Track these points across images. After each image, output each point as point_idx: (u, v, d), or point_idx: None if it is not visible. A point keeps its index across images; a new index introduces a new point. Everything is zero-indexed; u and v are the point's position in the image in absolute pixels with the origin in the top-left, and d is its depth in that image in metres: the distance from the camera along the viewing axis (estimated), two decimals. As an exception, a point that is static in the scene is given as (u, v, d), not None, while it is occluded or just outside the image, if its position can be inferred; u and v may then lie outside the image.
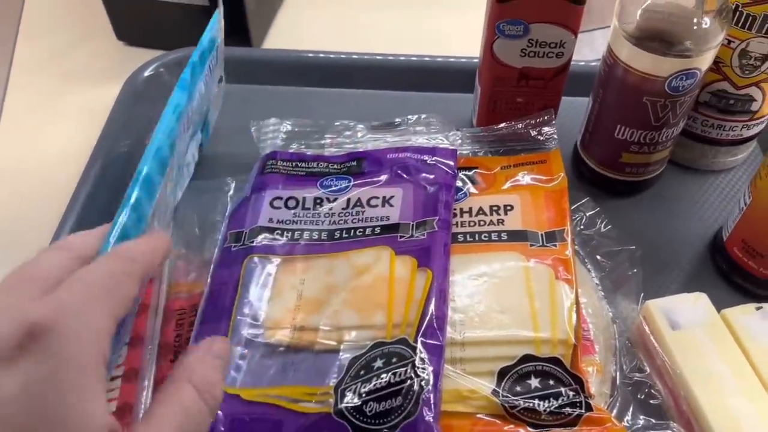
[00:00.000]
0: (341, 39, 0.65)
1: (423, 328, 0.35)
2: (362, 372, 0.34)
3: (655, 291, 0.42)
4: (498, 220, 0.42)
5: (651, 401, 0.38)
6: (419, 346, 0.34)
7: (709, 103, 0.48)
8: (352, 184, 0.44)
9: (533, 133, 0.48)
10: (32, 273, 0.25)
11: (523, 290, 0.38)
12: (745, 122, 0.48)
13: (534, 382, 0.34)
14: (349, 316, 0.37)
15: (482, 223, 0.42)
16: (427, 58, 0.59)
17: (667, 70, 0.41)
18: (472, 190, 0.45)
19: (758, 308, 0.39)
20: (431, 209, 0.41)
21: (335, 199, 0.43)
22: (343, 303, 0.37)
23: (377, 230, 0.41)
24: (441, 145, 0.47)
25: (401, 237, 0.40)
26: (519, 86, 0.47)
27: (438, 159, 0.45)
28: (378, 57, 0.59)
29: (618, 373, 0.39)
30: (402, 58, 0.59)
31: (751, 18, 0.42)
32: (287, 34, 0.67)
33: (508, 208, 0.43)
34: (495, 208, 0.43)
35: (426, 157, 0.45)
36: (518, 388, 0.34)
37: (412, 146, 0.46)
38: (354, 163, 0.45)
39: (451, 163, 0.45)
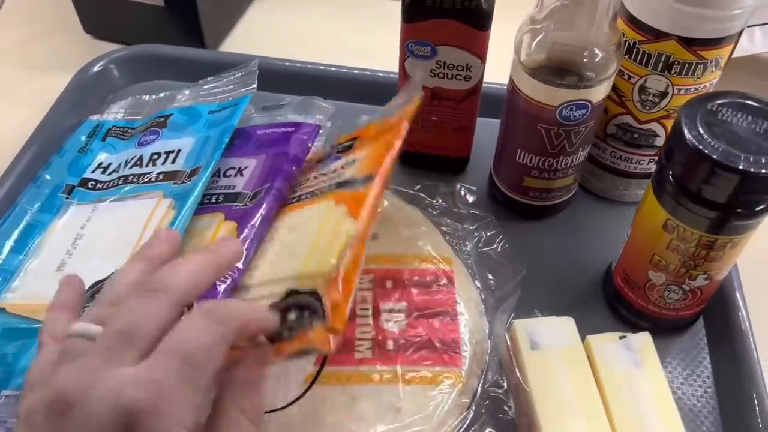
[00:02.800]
0: (301, 49, 0.68)
1: None
2: None
3: (540, 312, 0.43)
4: (339, 173, 0.43)
5: (501, 416, 0.39)
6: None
7: (616, 136, 0.49)
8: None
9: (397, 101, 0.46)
10: (136, 329, 0.26)
11: (315, 233, 0.38)
12: (651, 156, 0.49)
13: (292, 315, 0.33)
14: None
15: (329, 179, 0.43)
16: (363, 71, 0.61)
17: (558, 100, 0.43)
18: (346, 155, 0.45)
19: (622, 337, 0.40)
20: (270, 179, 0.44)
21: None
22: None
23: (220, 198, 0.44)
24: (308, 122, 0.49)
25: (236, 205, 0.43)
26: (432, 105, 0.49)
27: (300, 134, 0.47)
28: (320, 68, 0.61)
29: (480, 387, 0.41)
30: (343, 70, 0.61)
31: (647, 56, 0.43)
32: (246, 40, 0.69)
33: (353, 161, 0.43)
34: (346, 164, 0.43)
35: (289, 130, 0.48)
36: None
37: (282, 122, 0.49)
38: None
39: (309, 138, 0.47)
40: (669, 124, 0.46)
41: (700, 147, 0.35)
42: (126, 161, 0.49)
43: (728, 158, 0.34)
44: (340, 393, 0.40)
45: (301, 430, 0.38)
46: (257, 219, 0.41)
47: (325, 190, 0.42)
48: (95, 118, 0.55)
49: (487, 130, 0.55)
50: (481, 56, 0.46)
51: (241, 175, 0.45)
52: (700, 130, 0.35)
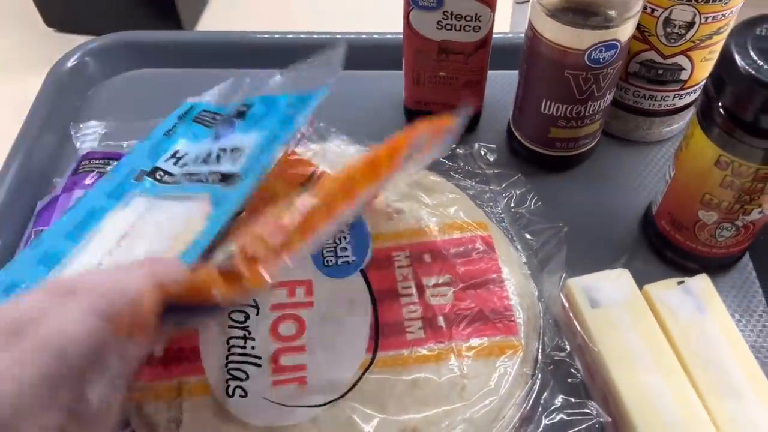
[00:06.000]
0: (278, 19, 0.64)
1: None
2: None
3: (585, 267, 0.41)
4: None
5: (570, 380, 0.38)
6: None
7: (639, 74, 0.47)
8: None
9: None
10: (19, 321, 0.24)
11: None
12: (676, 92, 0.47)
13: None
14: None
15: None
16: (359, 35, 0.57)
17: (586, 43, 0.40)
18: None
19: (680, 283, 0.39)
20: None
21: None
22: None
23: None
24: None
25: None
26: (440, 60, 0.46)
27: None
28: (314, 36, 0.58)
29: (540, 353, 0.39)
30: (338, 35, 0.57)
31: (672, -15, 0.41)
32: (222, 15, 0.65)
33: None
34: None
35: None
36: None
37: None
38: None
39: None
40: (696, 55, 0.44)
41: (755, 73, 0.33)
42: (197, 156, 0.44)
43: (788, 83, 0.32)
44: (398, 378, 0.37)
45: (364, 420, 0.36)
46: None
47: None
48: (193, 99, 0.49)
49: (496, 84, 0.52)
50: (491, 4, 0.43)
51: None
52: (753, 56, 0.33)
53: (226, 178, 0.41)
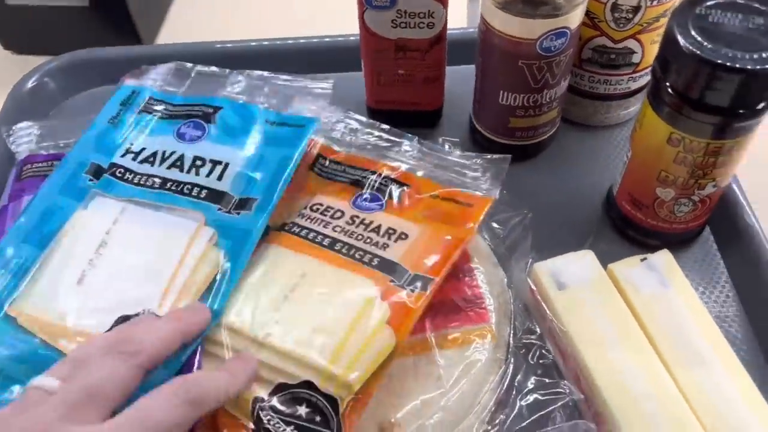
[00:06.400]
0: (237, 28, 0.64)
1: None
2: None
3: (552, 251, 0.42)
4: (383, 244, 0.40)
5: (542, 361, 0.38)
6: None
7: (592, 60, 0.48)
8: None
9: (478, 173, 0.44)
10: (97, 389, 0.27)
11: (351, 321, 0.35)
12: (629, 75, 0.48)
13: (301, 410, 0.33)
14: None
15: (368, 240, 0.40)
16: (322, 39, 0.58)
17: (537, 32, 0.41)
18: (389, 205, 0.42)
19: (643, 260, 0.40)
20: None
21: None
22: None
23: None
24: None
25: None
26: (398, 58, 0.47)
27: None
28: (277, 42, 0.58)
29: (511, 338, 0.40)
30: (301, 41, 0.58)
31: (615, -29, 0.42)
32: (181, 27, 0.65)
33: (402, 236, 0.40)
34: (390, 231, 0.40)
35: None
36: (283, 408, 0.33)
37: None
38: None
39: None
40: (645, 38, 0.46)
41: (698, 52, 0.34)
42: (163, 155, 0.42)
43: (729, 59, 0.33)
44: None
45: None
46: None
47: (365, 260, 0.38)
48: (132, 82, 0.47)
49: (457, 78, 0.53)
50: (443, 0, 0.44)
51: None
52: (695, 35, 0.35)
53: (215, 196, 0.40)
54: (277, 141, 0.42)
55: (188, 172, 0.42)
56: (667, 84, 0.37)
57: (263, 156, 0.42)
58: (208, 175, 0.41)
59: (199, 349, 0.34)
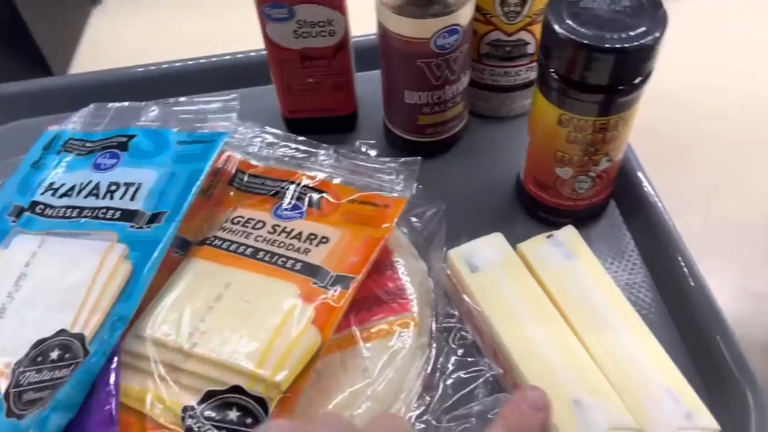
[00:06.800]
0: (150, 51, 0.65)
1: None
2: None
3: (469, 239, 0.44)
4: (305, 249, 0.41)
5: (462, 342, 0.40)
6: None
7: (490, 54, 0.50)
8: None
9: (392, 176, 0.46)
10: None
11: (276, 324, 0.36)
12: (527, 65, 0.51)
13: (232, 414, 0.34)
14: None
15: (290, 247, 0.41)
16: (234, 55, 0.59)
17: (430, 31, 0.43)
18: (310, 213, 0.44)
19: (548, 236, 0.42)
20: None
21: None
22: None
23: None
24: None
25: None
26: (305, 67, 0.48)
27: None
28: (189, 63, 0.59)
29: (434, 323, 0.41)
30: (213, 59, 0.59)
31: (499, -32, 0.45)
32: (95, 54, 0.65)
33: (324, 240, 0.41)
34: (312, 237, 0.42)
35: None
36: (213, 414, 0.34)
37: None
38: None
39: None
40: (536, 29, 0.48)
41: (573, 37, 0.36)
42: (80, 186, 0.43)
43: (601, 41, 0.36)
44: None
45: (271, 418, 0.37)
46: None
47: (288, 266, 0.39)
48: (54, 128, 0.49)
49: (370, 82, 0.55)
50: (340, 8, 0.46)
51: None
52: (569, 21, 0.37)
53: (128, 215, 0.41)
54: (189, 158, 0.44)
55: (104, 197, 0.43)
56: (551, 70, 0.39)
57: (175, 173, 0.43)
58: (121, 198, 0.42)
59: (114, 364, 0.35)
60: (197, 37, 0.65)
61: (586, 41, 0.36)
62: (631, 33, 0.36)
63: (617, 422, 0.34)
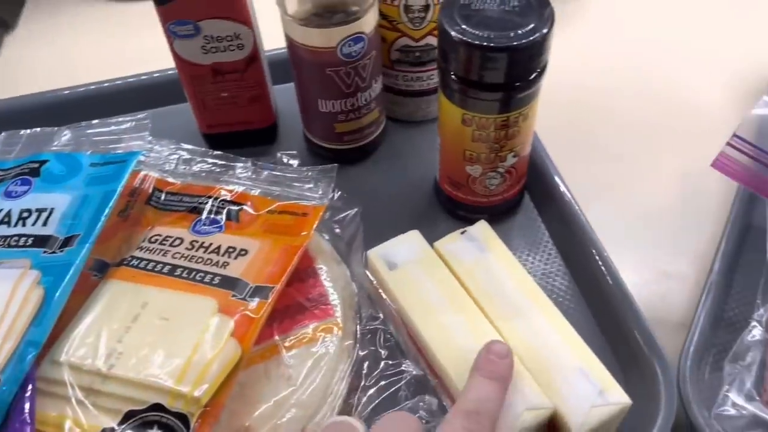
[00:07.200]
0: (69, 75, 0.64)
1: None
2: None
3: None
4: (224, 262, 0.41)
5: (387, 344, 0.41)
6: None
7: (401, 60, 0.52)
8: None
9: (311, 184, 0.47)
10: None
11: (194, 340, 0.36)
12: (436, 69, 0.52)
13: None
14: None
15: (209, 261, 0.41)
16: (150, 75, 0.59)
17: (335, 40, 0.44)
18: (228, 226, 0.44)
19: (462, 232, 0.43)
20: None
21: None
22: None
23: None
24: None
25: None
26: (217, 82, 0.49)
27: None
28: (104, 85, 0.59)
29: (358, 327, 0.42)
30: (131, 79, 0.59)
31: (399, -24, 0.46)
32: (7, 83, 0.64)
33: (242, 252, 0.41)
34: (230, 250, 0.42)
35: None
36: None
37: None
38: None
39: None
40: (441, 34, 0.50)
41: (467, 39, 0.38)
42: None
43: (492, 40, 0.37)
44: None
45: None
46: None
47: (206, 281, 0.39)
48: None
49: (290, 94, 0.55)
50: (246, 22, 0.46)
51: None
52: (461, 24, 0.38)
53: (40, 241, 0.41)
54: (101, 179, 0.43)
55: (15, 225, 0.42)
56: (451, 72, 0.40)
57: (87, 195, 0.42)
58: (34, 224, 0.42)
59: (29, 392, 0.34)
60: (112, 61, 0.64)
61: (478, 42, 0.38)
62: (520, 31, 0.38)
63: (532, 403, 0.35)
